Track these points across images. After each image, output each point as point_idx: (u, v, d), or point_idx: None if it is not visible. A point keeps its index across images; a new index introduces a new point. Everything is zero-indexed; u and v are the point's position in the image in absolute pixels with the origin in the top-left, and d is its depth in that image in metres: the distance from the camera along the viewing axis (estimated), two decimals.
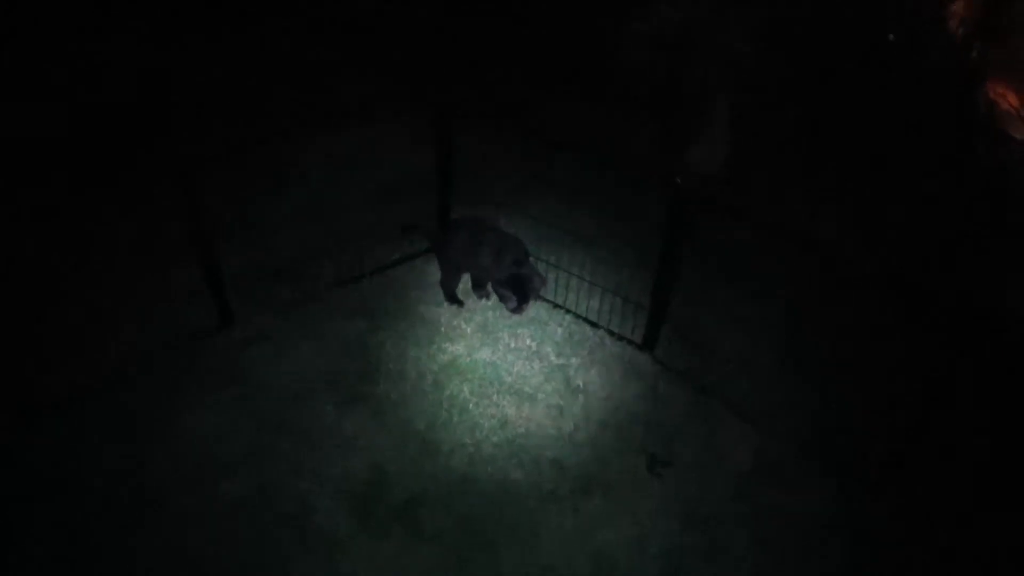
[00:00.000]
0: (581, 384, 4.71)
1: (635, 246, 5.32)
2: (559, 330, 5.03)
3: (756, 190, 5.87)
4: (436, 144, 5.12)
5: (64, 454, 4.14)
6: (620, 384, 4.73)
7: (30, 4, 6.87)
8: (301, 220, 5.58)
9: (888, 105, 6.39)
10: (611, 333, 4.99)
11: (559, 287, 5.11)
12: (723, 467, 4.36)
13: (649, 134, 6.63)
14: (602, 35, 7.23)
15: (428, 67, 7.01)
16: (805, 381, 4.78)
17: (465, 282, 5.19)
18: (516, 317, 5.00)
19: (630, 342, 4.94)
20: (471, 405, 4.56)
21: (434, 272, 5.20)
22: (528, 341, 4.93)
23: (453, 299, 5.11)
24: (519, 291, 4.82)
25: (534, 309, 5.06)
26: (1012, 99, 6.19)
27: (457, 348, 4.86)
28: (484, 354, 4.84)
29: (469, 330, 4.98)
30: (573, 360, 4.85)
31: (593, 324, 5.04)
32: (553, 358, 4.85)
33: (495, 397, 4.61)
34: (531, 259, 4.92)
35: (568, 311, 5.11)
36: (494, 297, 5.09)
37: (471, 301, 5.16)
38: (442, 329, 4.98)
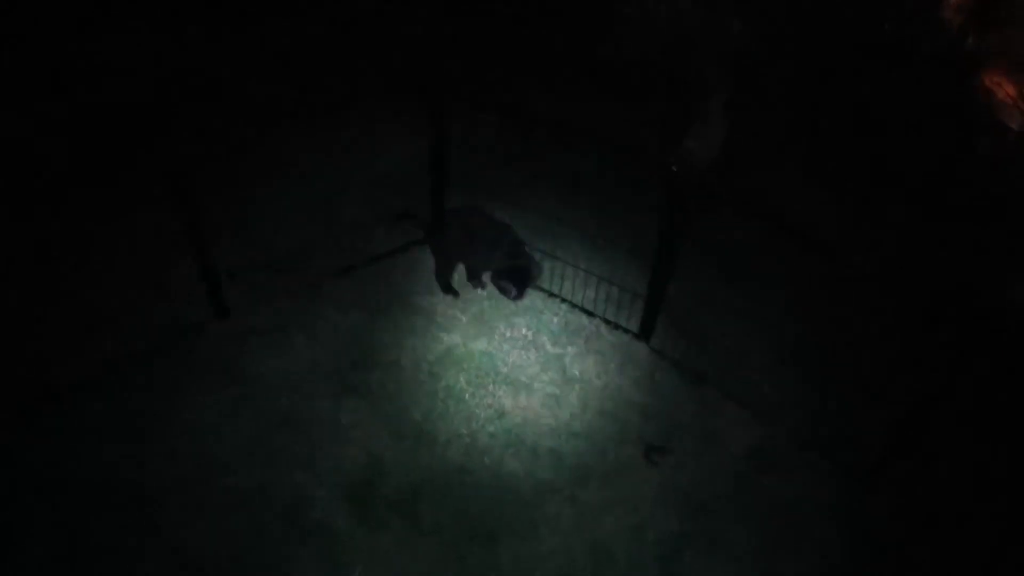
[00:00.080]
0: (577, 373, 4.70)
1: (631, 235, 5.30)
2: (555, 319, 5.00)
3: (753, 179, 5.84)
4: (430, 134, 5.09)
5: (63, 453, 4.12)
6: (617, 373, 4.72)
7: (30, 4, 6.83)
8: (295, 212, 5.54)
9: (884, 95, 6.37)
10: (607, 322, 4.97)
11: (555, 276, 5.09)
12: (721, 456, 4.36)
13: (645, 122, 6.59)
14: (593, 22, 7.18)
15: (425, 61, 6.96)
16: (802, 370, 4.78)
17: (460, 272, 5.15)
18: (512, 307, 4.98)
19: (626, 331, 4.92)
20: (467, 395, 4.54)
21: (429, 262, 5.16)
22: (524, 331, 4.91)
23: (448, 289, 5.08)
24: (519, 281, 4.80)
25: (529, 299, 5.04)
26: (1008, 88, 6.18)
27: (453, 338, 4.84)
28: (480, 344, 4.81)
29: (464, 320, 4.95)
30: (569, 349, 4.83)
31: (589, 313, 5.02)
32: (549, 347, 4.83)
33: (491, 387, 4.59)
34: (526, 247, 4.90)
35: (564, 300, 5.08)
36: (489, 287, 5.06)
37: (466, 291, 5.13)
38: (437, 319, 4.95)
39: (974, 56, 6.40)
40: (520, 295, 4.91)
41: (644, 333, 4.88)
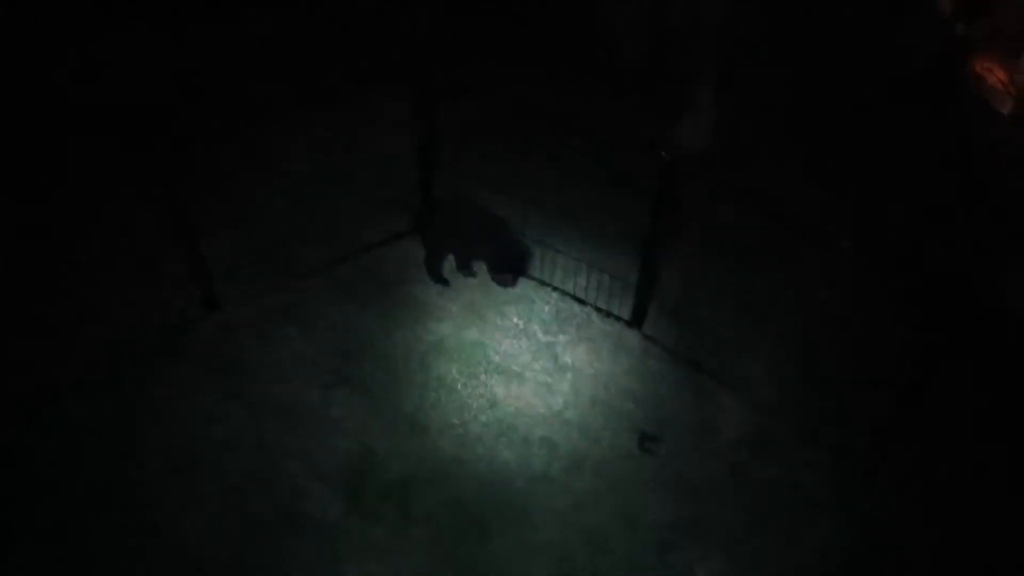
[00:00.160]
0: (569, 362, 4.68)
1: (621, 222, 5.26)
2: (546, 308, 4.98)
3: (745, 165, 5.82)
4: (418, 123, 5.06)
5: (59, 453, 4.10)
6: (609, 361, 4.70)
7: (30, 4, 6.78)
8: (285, 203, 5.50)
9: (874, 82, 6.35)
10: (598, 310, 4.95)
11: (545, 264, 5.06)
12: (714, 442, 4.35)
13: (635, 110, 6.56)
14: (580, 7, 7.13)
15: (417, 52, 6.92)
16: (796, 358, 4.76)
17: (450, 262, 5.13)
18: (503, 295, 4.96)
19: (618, 319, 4.90)
20: (459, 385, 4.52)
21: (419, 252, 5.13)
22: (515, 319, 4.89)
23: (438, 279, 5.05)
24: (516, 268, 4.81)
25: (521, 287, 5.01)
26: (999, 74, 6.16)
27: (444, 328, 4.81)
28: (471, 333, 4.79)
29: (455, 309, 4.93)
30: (561, 338, 4.81)
31: (580, 301, 4.99)
32: (541, 336, 4.81)
33: (483, 376, 4.57)
34: (516, 233, 4.89)
35: (555, 288, 5.06)
36: (480, 276, 5.04)
37: (457, 281, 5.10)
38: (428, 309, 4.92)
39: (964, 42, 6.38)
40: (515, 282, 4.91)
41: (636, 320, 4.86)
